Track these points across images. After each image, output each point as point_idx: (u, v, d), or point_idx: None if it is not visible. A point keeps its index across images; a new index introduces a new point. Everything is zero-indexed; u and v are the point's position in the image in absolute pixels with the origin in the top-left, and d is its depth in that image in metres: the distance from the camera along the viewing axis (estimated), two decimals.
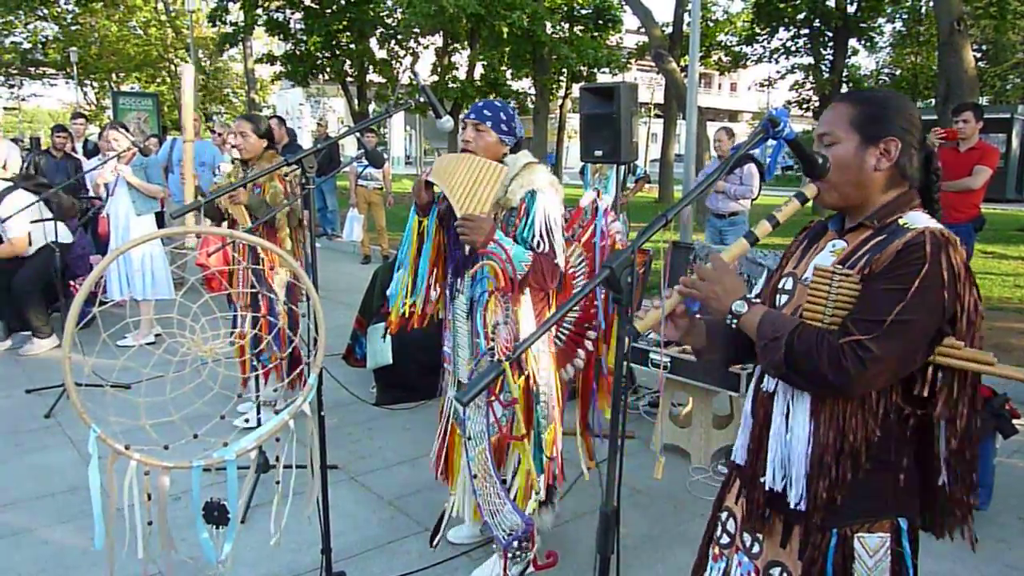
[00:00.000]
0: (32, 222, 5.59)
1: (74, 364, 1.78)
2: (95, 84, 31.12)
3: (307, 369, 2.34)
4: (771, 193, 22.94)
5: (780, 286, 1.61)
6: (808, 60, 20.47)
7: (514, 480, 2.66)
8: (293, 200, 4.05)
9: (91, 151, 8.54)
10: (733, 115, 56.25)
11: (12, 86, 31.91)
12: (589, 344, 2.90)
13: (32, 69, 30.27)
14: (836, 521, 1.45)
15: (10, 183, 5.68)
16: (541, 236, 2.46)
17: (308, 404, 2.21)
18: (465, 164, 2.51)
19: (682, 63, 18.26)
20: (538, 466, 2.58)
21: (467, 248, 2.56)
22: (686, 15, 18.83)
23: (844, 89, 19.93)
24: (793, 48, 20.70)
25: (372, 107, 22.64)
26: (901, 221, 1.43)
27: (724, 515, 1.72)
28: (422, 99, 2.61)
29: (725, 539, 1.70)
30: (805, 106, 21.86)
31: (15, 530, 3.18)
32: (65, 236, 5.65)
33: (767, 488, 1.50)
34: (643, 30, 19.03)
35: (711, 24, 23.47)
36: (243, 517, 3.08)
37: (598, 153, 5.05)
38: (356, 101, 22.39)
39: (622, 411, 1.22)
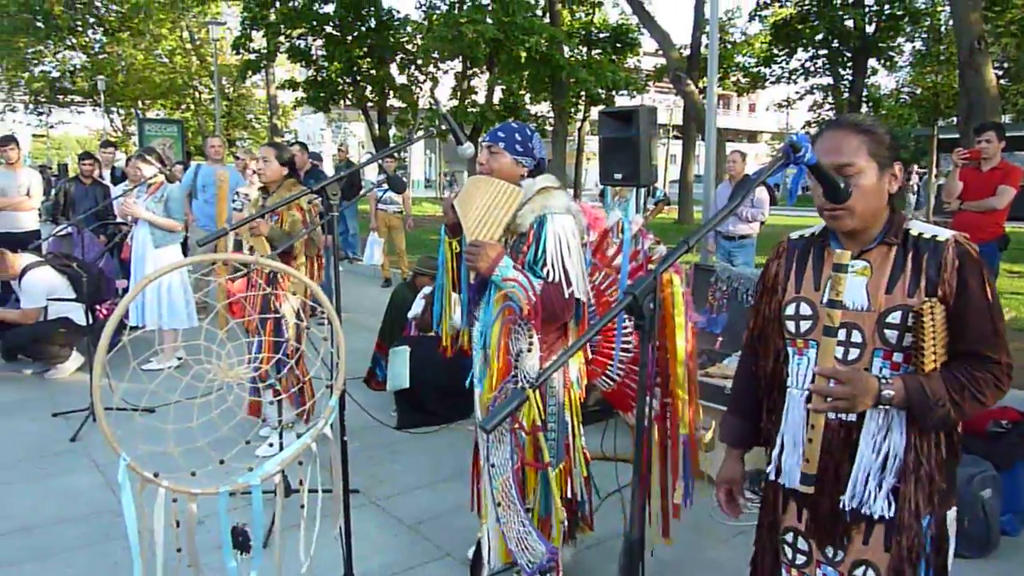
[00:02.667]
0: (50, 299, 5.73)
1: (101, 389, 1.81)
2: (121, 111, 31.70)
3: (329, 391, 2.36)
4: (791, 213, 22.81)
5: (792, 312, 1.68)
6: (827, 80, 20.45)
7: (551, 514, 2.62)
8: (313, 228, 4.08)
9: (119, 178, 8.69)
10: (752, 135, 56.19)
11: (41, 114, 32.61)
12: (658, 391, 2.71)
13: (60, 97, 30.96)
14: (930, 510, 1.60)
15: (40, 259, 5.80)
16: (552, 265, 2.37)
17: (330, 427, 2.23)
18: (483, 188, 2.46)
19: (700, 85, 18.34)
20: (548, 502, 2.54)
21: (472, 275, 2.51)
22: (704, 37, 18.92)
23: (864, 109, 19.89)
24: (812, 69, 20.71)
25: (392, 132, 22.88)
26: (913, 231, 1.60)
27: (791, 536, 1.76)
28: (443, 126, 2.62)
29: (801, 559, 1.75)
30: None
31: (40, 553, 3.21)
32: (80, 319, 5.71)
33: (847, 508, 1.61)
34: (661, 52, 19.14)
35: (729, 46, 23.55)
36: (265, 542, 3.09)
37: (618, 176, 5.06)
38: (376, 126, 22.64)
39: (647, 438, 1.22)
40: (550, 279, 2.37)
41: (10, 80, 30.19)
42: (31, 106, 31.74)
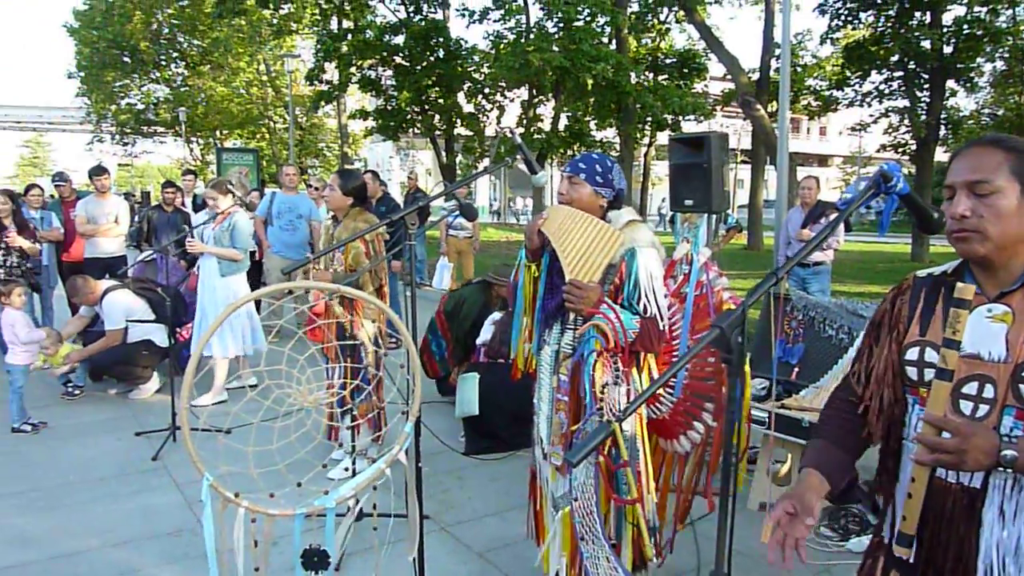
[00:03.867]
0: (129, 320, 5.95)
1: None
2: (200, 141, 33.14)
3: (405, 417, 2.38)
4: (863, 239, 22.20)
5: (914, 357, 1.50)
6: (903, 103, 19.87)
7: (622, 543, 2.60)
8: (376, 261, 4.08)
9: (199, 205, 9.03)
10: (823, 160, 55.08)
11: (126, 144, 34.32)
12: (708, 417, 2.70)
13: (144, 128, 32.58)
14: None
15: (119, 283, 6.06)
16: (647, 299, 2.40)
17: (404, 452, 2.24)
18: (582, 225, 2.45)
19: (770, 108, 18.06)
20: (622, 533, 2.51)
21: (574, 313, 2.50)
22: (773, 61, 18.68)
23: (942, 132, 19.25)
24: (886, 91, 20.15)
25: (459, 159, 23.20)
26: None
27: None
28: (519, 155, 2.65)
29: None
30: (901, 150, 21.20)
31: (123, 570, 3.31)
32: (162, 341, 5.89)
33: None
34: (729, 77, 18.97)
35: (800, 69, 23.16)
36: (337, 564, 3.12)
37: (688, 202, 5.00)
38: (444, 154, 23.01)
39: (734, 472, 1.19)
40: (647, 314, 2.40)
41: (99, 112, 31.96)
42: (117, 136, 33.48)
